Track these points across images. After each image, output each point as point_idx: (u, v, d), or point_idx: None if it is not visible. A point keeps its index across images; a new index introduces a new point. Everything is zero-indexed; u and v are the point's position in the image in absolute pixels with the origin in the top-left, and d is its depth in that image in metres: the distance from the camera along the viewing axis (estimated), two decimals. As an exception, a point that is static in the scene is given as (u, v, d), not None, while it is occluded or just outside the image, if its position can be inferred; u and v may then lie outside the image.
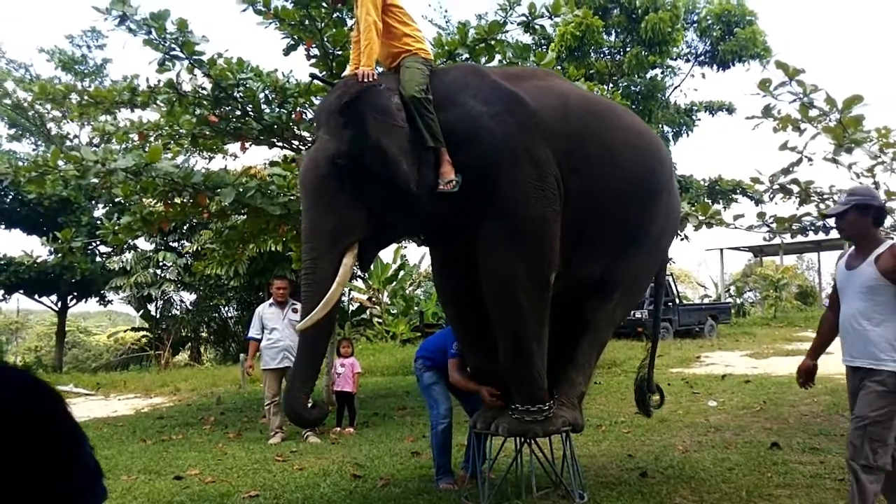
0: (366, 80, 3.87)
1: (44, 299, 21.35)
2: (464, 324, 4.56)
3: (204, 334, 22.30)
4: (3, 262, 18.92)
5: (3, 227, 20.04)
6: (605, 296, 4.53)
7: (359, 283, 19.26)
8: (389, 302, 19.53)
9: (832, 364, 10.86)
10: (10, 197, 18.65)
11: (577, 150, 4.12)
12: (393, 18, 4.16)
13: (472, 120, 3.91)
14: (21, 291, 20.46)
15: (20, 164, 7.75)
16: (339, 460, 5.89)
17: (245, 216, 8.68)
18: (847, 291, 3.65)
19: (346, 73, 4.44)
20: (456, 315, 4.64)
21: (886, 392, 3.41)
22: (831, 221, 6.62)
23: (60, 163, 6.91)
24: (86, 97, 8.53)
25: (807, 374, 3.97)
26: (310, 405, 3.96)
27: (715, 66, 19.25)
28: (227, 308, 21.56)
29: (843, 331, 3.68)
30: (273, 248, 11.95)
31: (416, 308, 19.23)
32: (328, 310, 3.74)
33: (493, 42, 7.53)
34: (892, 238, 3.68)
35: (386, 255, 19.47)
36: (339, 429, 7.61)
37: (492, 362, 4.34)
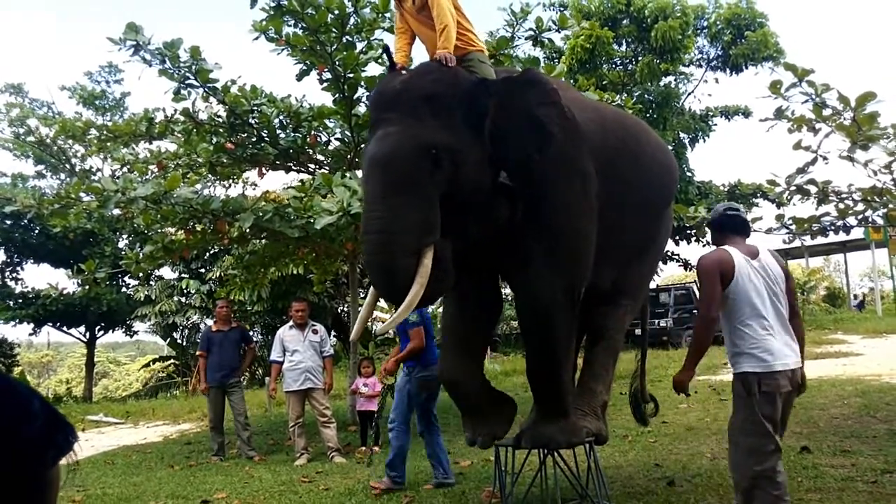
0: (451, 65, 3.62)
1: (73, 331, 21.68)
2: (455, 330, 4.31)
3: (230, 360, 22.43)
4: (31, 296, 19.27)
5: (31, 261, 20.47)
6: (616, 303, 4.57)
7: (382, 303, 19.24)
8: (411, 321, 19.52)
9: (861, 366, 10.69)
10: (37, 231, 19.05)
11: (612, 164, 4.14)
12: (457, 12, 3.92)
13: None
14: (50, 324, 20.81)
15: (44, 197, 7.92)
16: (365, 479, 5.88)
17: (264, 240, 8.79)
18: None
19: (395, 56, 4.08)
20: (455, 317, 4.35)
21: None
22: (852, 220, 6.56)
23: (82, 194, 7.04)
24: (104, 132, 8.72)
25: None
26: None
27: (728, 71, 19.16)
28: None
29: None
30: (294, 272, 12.03)
31: (438, 325, 19.14)
32: (410, 311, 3.48)
33: (501, 57, 7.58)
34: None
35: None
36: (364, 448, 7.61)
37: (465, 374, 4.20)
